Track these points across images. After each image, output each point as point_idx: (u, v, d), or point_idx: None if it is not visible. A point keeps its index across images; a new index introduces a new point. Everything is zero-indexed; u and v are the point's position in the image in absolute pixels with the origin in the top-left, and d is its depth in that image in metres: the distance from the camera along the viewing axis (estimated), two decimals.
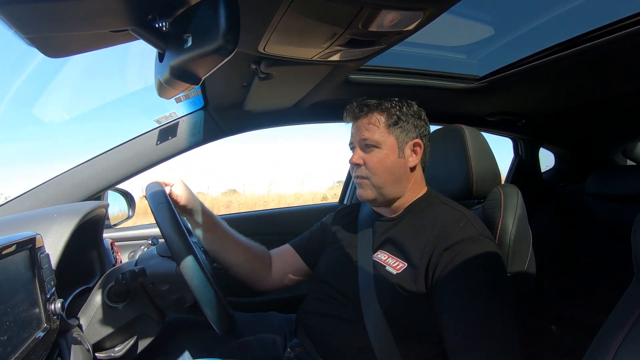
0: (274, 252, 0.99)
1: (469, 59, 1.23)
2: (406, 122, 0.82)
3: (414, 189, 0.85)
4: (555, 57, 0.95)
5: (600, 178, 1.62)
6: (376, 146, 0.81)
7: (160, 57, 0.55)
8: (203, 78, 0.55)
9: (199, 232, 0.88)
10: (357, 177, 0.83)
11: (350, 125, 0.87)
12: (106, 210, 0.89)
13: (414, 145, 0.83)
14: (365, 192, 0.83)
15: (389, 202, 0.84)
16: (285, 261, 0.97)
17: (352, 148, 0.86)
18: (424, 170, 0.88)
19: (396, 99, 0.85)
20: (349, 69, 0.91)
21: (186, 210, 0.85)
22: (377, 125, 0.81)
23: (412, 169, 0.83)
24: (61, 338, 0.58)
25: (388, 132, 0.81)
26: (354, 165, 0.83)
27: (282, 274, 0.96)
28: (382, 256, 0.78)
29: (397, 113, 0.82)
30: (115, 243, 1.03)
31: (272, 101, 1.17)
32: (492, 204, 0.83)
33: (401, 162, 0.82)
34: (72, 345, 0.58)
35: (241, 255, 0.91)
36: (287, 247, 0.99)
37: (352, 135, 0.86)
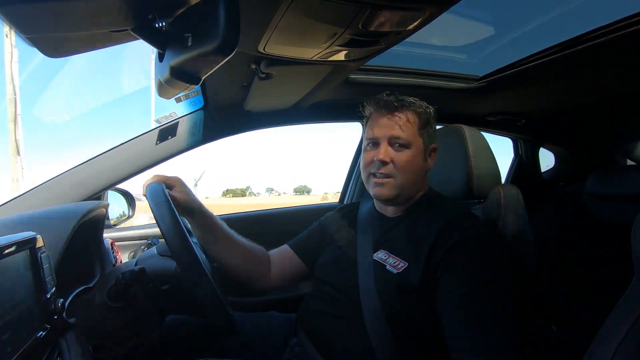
0: (273, 252, 0.99)
1: (469, 59, 1.24)
2: (431, 125, 0.83)
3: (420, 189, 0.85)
4: (555, 57, 0.95)
5: (600, 178, 1.62)
6: (407, 146, 0.79)
7: (160, 57, 0.55)
8: (203, 78, 0.55)
9: (199, 233, 0.88)
10: (381, 174, 0.79)
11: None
12: (106, 210, 0.89)
13: (433, 149, 0.84)
14: (387, 191, 0.79)
15: (403, 202, 0.83)
16: (283, 262, 0.97)
17: (374, 143, 0.81)
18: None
19: (418, 99, 0.83)
20: (349, 69, 0.91)
21: (186, 211, 0.85)
22: (412, 125, 0.80)
23: (427, 172, 0.84)
24: (61, 338, 0.57)
25: (419, 133, 0.80)
26: (380, 162, 0.78)
27: (280, 274, 0.96)
28: (382, 255, 0.77)
29: (426, 116, 0.82)
30: (115, 243, 1.03)
31: (272, 101, 1.18)
32: (492, 204, 0.83)
33: (424, 165, 0.82)
34: (72, 345, 0.58)
35: (240, 257, 0.91)
36: (285, 248, 0.99)
37: (379, 128, 0.79)
